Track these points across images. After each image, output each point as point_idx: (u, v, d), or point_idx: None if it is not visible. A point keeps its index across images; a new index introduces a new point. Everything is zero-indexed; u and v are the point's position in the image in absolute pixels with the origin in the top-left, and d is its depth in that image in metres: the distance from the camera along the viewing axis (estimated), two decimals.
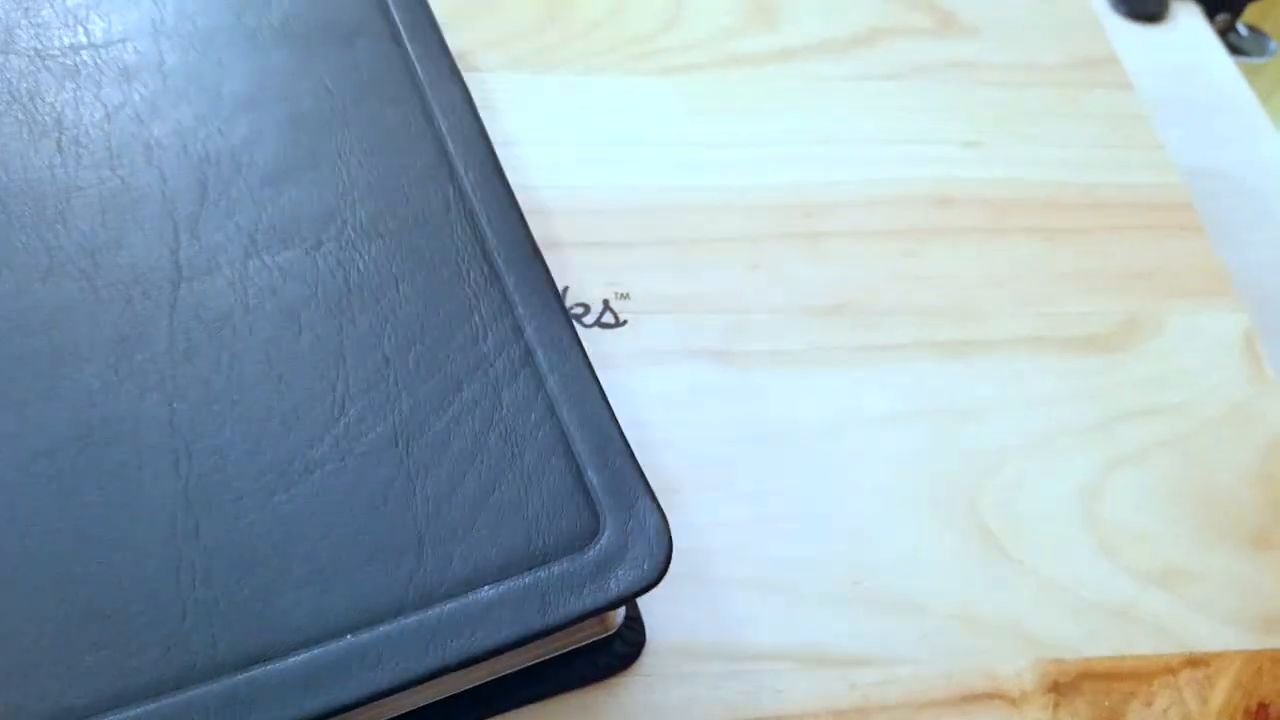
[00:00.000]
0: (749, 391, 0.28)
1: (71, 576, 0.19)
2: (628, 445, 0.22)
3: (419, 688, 0.20)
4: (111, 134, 0.25)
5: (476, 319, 0.23)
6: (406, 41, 0.28)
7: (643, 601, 0.25)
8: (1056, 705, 0.24)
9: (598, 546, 0.20)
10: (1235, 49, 0.49)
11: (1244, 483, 0.28)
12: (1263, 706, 0.25)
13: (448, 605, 0.20)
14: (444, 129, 0.26)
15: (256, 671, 0.18)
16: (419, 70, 0.27)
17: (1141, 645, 0.25)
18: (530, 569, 0.20)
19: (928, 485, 0.27)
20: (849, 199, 0.33)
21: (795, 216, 0.32)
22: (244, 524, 0.20)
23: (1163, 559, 0.27)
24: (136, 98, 0.26)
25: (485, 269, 0.24)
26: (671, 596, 0.25)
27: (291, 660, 0.19)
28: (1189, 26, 0.45)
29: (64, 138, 0.25)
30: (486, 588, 0.20)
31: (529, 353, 0.23)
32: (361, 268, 0.24)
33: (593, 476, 0.21)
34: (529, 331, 0.23)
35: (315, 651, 0.19)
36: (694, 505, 0.26)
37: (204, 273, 0.23)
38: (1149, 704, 0.25)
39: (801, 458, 0.27)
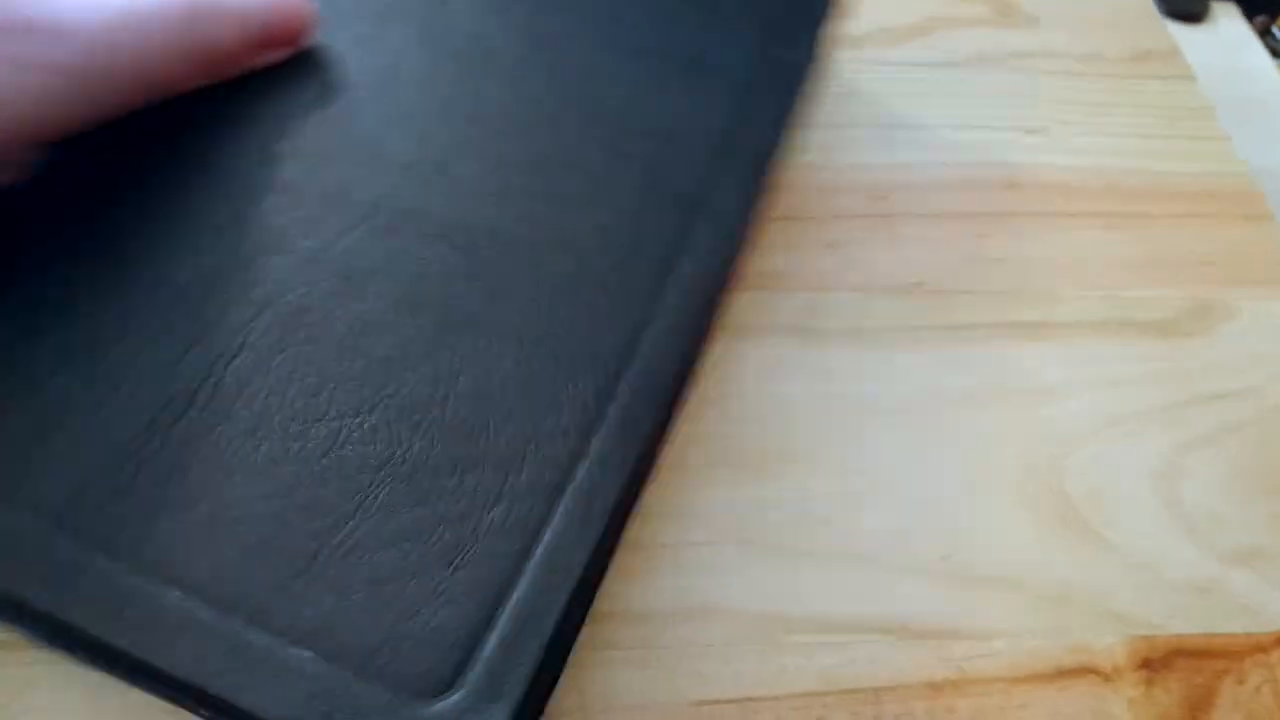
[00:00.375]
0: (829, 367, 0.28)
1: None
2: (553, 651, 0.19)
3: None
4: None
5: (553, 424, 0.21)
6: None
7: (727, 571, 0.25)
8: (1150, 682, 0.24)
9: (427, 709, 0.18)
10: (1275, 52, 0.49)
11: None
12: None
13: (259, 634, 0.18)
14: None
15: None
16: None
17: (1230, 624, 0.25)
18: (355, 671, 0.18)
19: (1009, 464, 0.27)
20: (917, 181, 0.33)
21: (865, 198, 0.32)
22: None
23: (1242, 539, 0.27)
24: None
25: (605, 385, 0.21)
26: (759, 568, 0.25)
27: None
28: (1229, 27, 0.45)
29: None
30: (306, 651, 0.18)
31: (557, 491, 0.20)
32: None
33: (491, 646, 0.18)
34: (580, 473, 0.20)
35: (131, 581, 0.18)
36: (778, 478, 0.26)
37: None
38: (1241, 682, 0.24)
39: (883, 434, 0.27)
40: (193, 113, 0.23)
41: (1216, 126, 0.36)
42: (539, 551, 0.19)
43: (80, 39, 0.20)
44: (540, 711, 0.19)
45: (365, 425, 0.20)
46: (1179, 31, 0.44)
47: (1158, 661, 0.25)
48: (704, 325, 0.23)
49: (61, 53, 0.19)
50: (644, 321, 0.22)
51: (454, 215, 0.23)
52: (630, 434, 0.21)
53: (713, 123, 0.26)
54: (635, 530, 0.25)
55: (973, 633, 0.25)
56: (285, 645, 0.18)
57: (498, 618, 0.19)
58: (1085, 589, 0.25)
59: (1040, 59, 0.37)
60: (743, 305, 0.29)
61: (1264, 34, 0.49)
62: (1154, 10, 0.40)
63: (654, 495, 0.26)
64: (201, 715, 0.18)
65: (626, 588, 0.24)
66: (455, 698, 0.18)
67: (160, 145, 0.23)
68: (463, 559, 0.19)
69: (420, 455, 0.20)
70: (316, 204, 0.23)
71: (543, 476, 0.20)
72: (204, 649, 0.18)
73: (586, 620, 0.20)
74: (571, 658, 0.20)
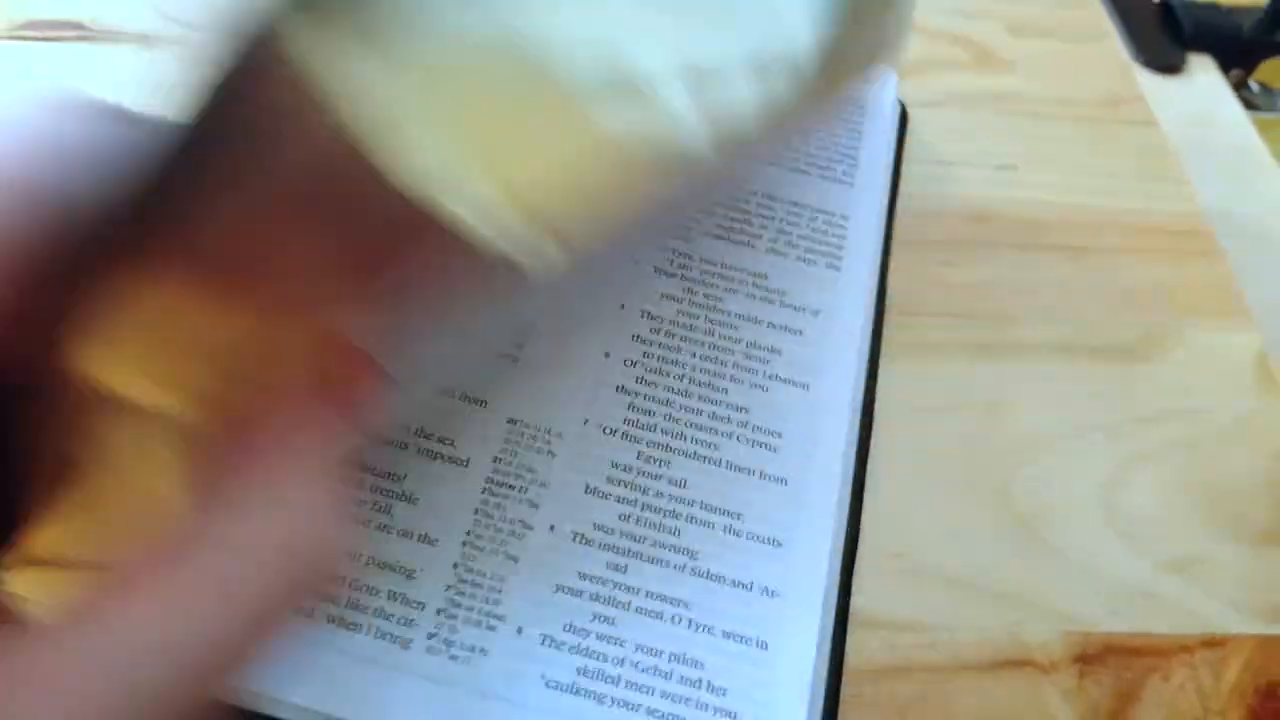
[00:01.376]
0: None
1: None
2: None
3: None
4: None
5: None
6: None
7: None
8: (1082, 675, 0.26)
9: None
10: (1248, 104, 0.52)
11: (1254, 485, 0.30)
12: (1271, 686, 0.27)
13: None
14: None
15: None
16: None
17: (1160, 625, 0.27)
18: None
19: (964, 472, 0.29)
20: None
21: None
22: None
23: (1179, 548, 0.29)
24: None
25: None
26: None
27: None
28: (1205, 79, 0.48)
29: None
30: None
31: None
32: None
33: None
34: None
35: None
36: None
37: None
38: (1167, 679, 0.26)
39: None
40: None
41: (1177, 169, 0.38)
42: None
43: None
44: None
45: None
46: (1157, 82, 0.46)
47: (1092, 657, 0.27)
48: None
49: None
50: None
51: None
52: None
53: None
54: None
55: (920, 625, 0.27)
56: None
57: None
58: (1028, 589, 0.27)
59: (1014, 101, 0.40)
60: None
61: (1239, 87, 0.52)
62: (1126, 60, 0.42)
63: None
64: None
65: None
66: None
67: None
68: None
69: None
70: None
71: None
72: None
73: None
74: None
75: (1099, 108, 0.40)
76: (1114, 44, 0.43)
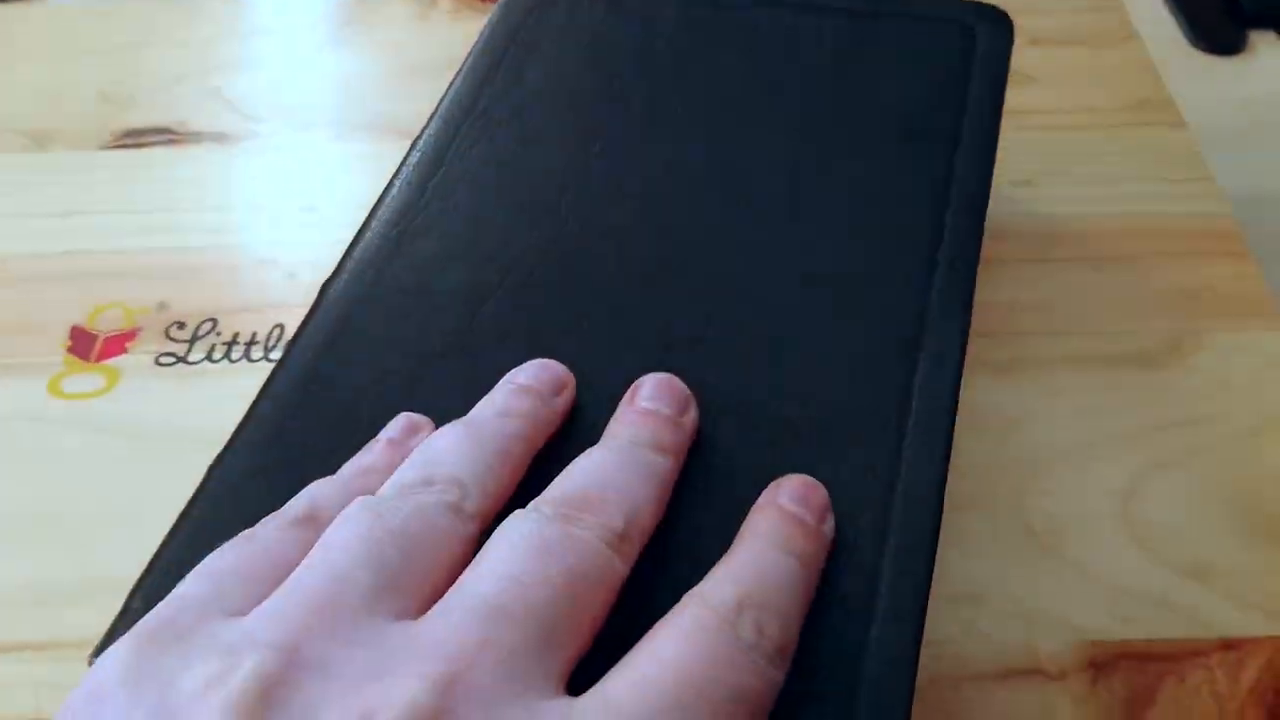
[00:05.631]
0: None
1: None
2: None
3: None
4: None
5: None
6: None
7: None
8: (1094, 681, 0.27)
9: None
10: None
11: (1277, 487, 0.30)
12: None
13: None
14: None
15: None
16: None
17: (1176, 631, 0.28)
18: None
19: (977, 490, 0.31)
20: None
21: None
22: None
23: (1197, 554, 0.29)
24: None
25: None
26: None
27: None
28: (1267, 56, 0.47)
29: None
30: None
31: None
32: None
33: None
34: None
35: None
36: None
37: None
38: (1182, 681, 0.27)
39: None
40: None
41: (1202, 168, 0.38)
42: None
43: None
44: None
45: None
46: (1218, 64, 0.46)
47: (1103, 663, 0.27)
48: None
49: None
50: None
51: None
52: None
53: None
54: None
55: (929, 636, 0.28)
56: None
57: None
58: (1039, 600, 0.28)
59: (1033, 115, 0.40)
60: None
61: None
62: (1149, 61, 0.42)
63: None
64: None
65: None
66: None
67: None
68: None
69: None
70: None
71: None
72: None
73: None
74: None
75: (1122, 113, 0.40)
76: (1140, 47, 0.43)
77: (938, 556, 0.27)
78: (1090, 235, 0.37)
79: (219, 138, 0.41)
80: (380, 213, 0.28)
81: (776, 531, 0.21)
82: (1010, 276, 0.35)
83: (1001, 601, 0.28)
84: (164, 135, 0.41)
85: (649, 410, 0.23)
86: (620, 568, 0.19)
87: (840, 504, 0.23)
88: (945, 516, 0.30)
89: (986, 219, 0.36)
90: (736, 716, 0.17)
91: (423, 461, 0.21)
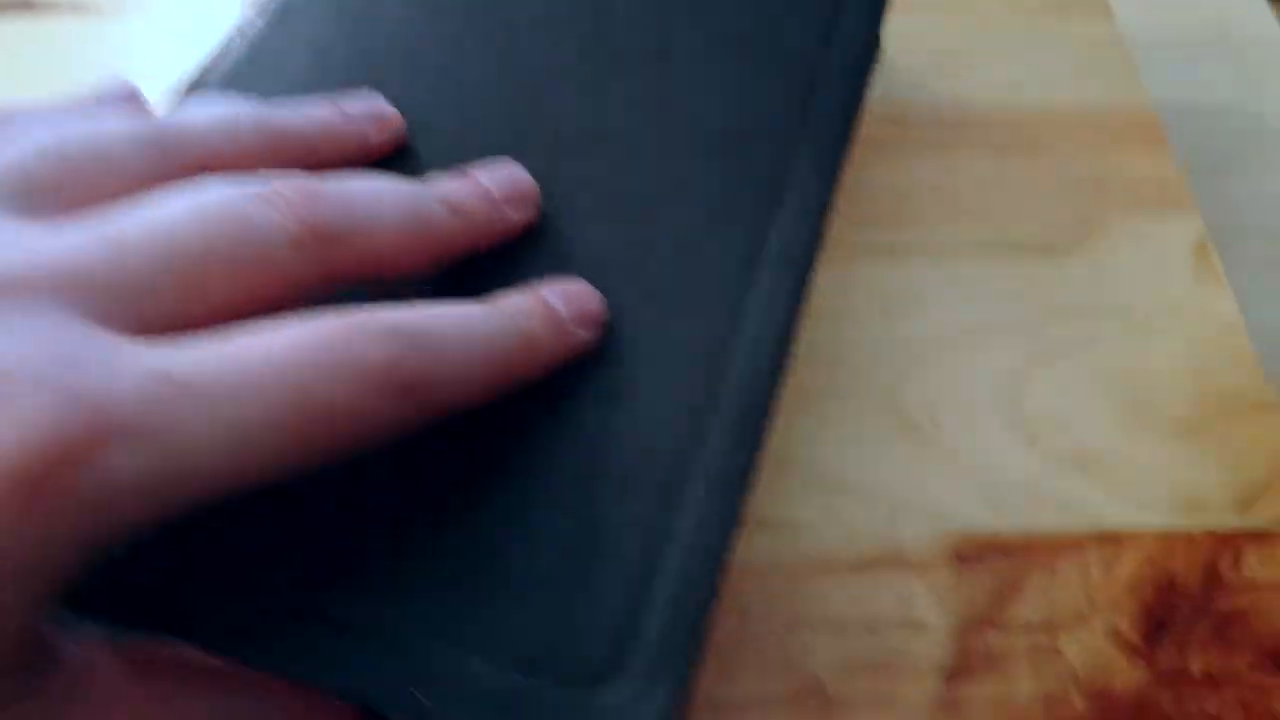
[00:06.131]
0: None
1: None
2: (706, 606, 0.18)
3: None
4: None
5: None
6: None
7: None
8: (959, 573, 0.25)
9: (596, 700, 0.17)
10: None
11: (1177, 378, 0.28)
12: (1171, 581, 0.25)
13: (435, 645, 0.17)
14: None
15: None
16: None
17: (1050, 522, 0.26)
18: (523, 670, 0.17)
19: (848, 374, 0.28)
20: None
21: None
22: None
23: (1080, 446, 0.27)
24: None
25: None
26: None
27: None
28: None
29: None
30: (477, 658, 0.17)
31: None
32: None
33: (652, 623, 0.18)
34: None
35: None
36: None
37: None
38: (1053, 573, 0.25)
39: None
40: None
41: (1126, 58, 0.36)
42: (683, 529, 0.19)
43: None
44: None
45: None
46: None
47: (969, 555, 0.25)
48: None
49: None
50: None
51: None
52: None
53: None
54: None
55: (775, 522, 0.26)
56: (461, 654, 0.17)
57: (655, 584, 0.18)
58: (906, 489, 0.26)
59: (950, 1, 0.38)
60: None
61: None
62: None
63: None
64: None
65: None
66: (614, 690, 0.17)
67: None
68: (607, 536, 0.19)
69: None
70: None
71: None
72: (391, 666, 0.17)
73: None
74: None
75: (1047, 7, 0.38)
76: None
77: (799, 440, 0.25)
78: (999, 123, 0.34)
79: (77, 8, 0.38)
80: (215, 66, 0.25)
81: (515, 305, 0.19)
82: (909, 161, 0.33)
83: (866, 490, 0.26)
84: (19, 4, 0.39)
85: (472, 179, 0.21)
86: (296, 269, 0.17)
87: (668, 362, 0.21)
88: (814, 403, 0.28)
89: (888, 103, 0.34)
90: (317, 435, 0.15)
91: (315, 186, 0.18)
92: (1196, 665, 0.24)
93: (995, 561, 0.25)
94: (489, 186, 0.21)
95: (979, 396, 0.28)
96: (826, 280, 0.30)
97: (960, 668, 0.24)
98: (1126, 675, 0.24)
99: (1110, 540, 0.25)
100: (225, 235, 0.16)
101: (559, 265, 0.22)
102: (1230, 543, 0.25)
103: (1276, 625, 0.24)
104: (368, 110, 0.23)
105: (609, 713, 0.17)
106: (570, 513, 0.19)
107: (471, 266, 0.21)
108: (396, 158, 0.23)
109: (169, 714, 0.15)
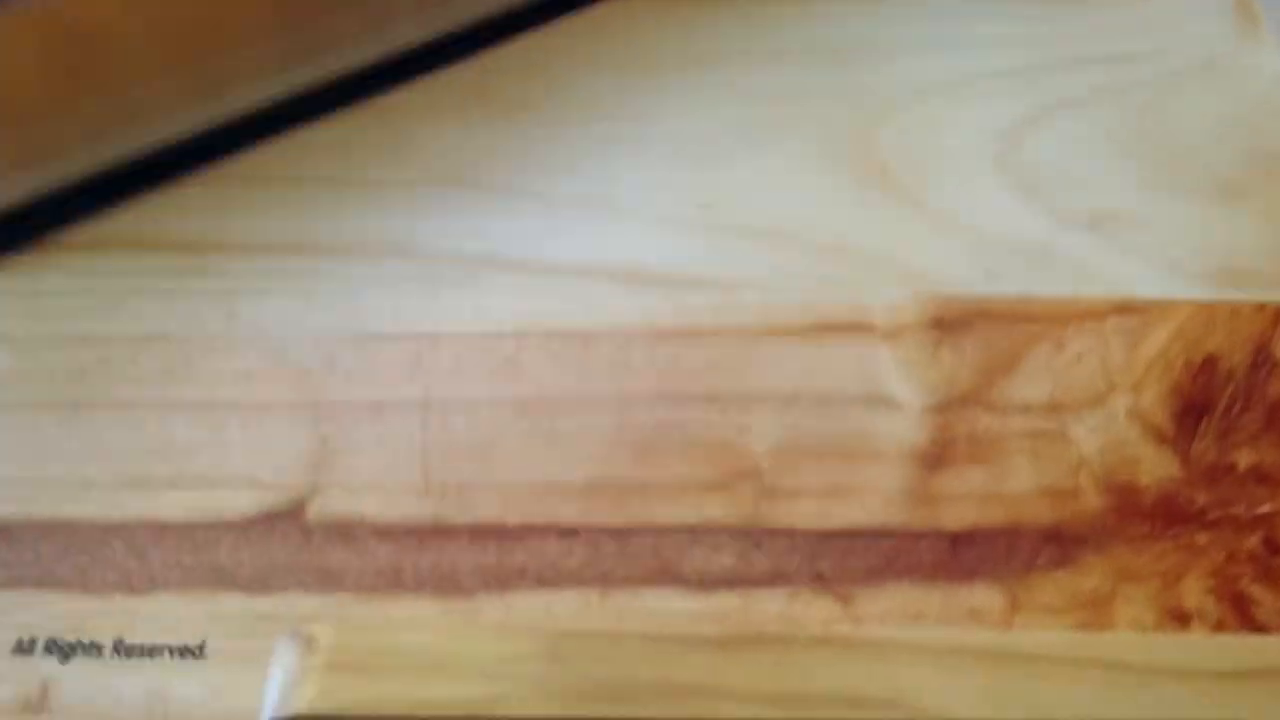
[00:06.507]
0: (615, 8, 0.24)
1: None
2: None
3: None
4: None
5: None
6: None
7: (428, 211, 0.20)
8: (938, 343, 0.19)
9: None
10: None
11: (1214, 134, 0.22)
12: (1210, 360, 0.19)
13: None
14: None
15: None
16: None
17: (1058, 287, 0.20)
18: None
19: (810, 122, 0.22)
20: None
21: None
22: None
23: (1096, 202, 0.21)
24: None
25: None
26: (470, 210, 0.21)
27: None
28: None
29: None
30: None
31: None
32: None
33: None
34: None
35: None
36: (526, 114, 0.22)
37: None
38: (1060, 348, 0.19)
39: (661, 87, 0.23)
40: None
41: None
42: None
43: None
44: None
45: None
46: None
47: (953, 322, 0.20)
48: None
49: None
50: None
51: None
52: None
53: None
54: (328, 163, 0.21)
55: (719, 281, 0.20)
56: None
57: None
58: (877, 245, 0.20)
59: None
60: None
61: None
62: None
63: (374, 129, 0.22)
64: None
65: (299, 219, 0.21)
66: None
67: None
68: None
69: None
70: None
71: None
72: None
73: None
74: None
75: None
76: None
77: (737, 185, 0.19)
78: None
79: None
80: None
81: None
82: None
83: (828, 244, 0.20)
84: None
85: None
86: None
87: None
88: (764, 142, 0.22)
89: None
90: None
91: None
92: (1244, 460, 0.18)
93: (986, 331, 0.19)
94: None
95: (971, 148, 0.22)
96: (774, 14, 0.24)
97: (938, 455, 0.18)
98: (1154, 467, 0.18)
99: (1133, 310, 0.20)
100: None
101: None
102: None
103: None
104: None
105: None
106: None
107: None
108: None
109: None
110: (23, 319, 0.19)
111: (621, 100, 0.22)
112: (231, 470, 0.18)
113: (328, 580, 0.17)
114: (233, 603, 0.17)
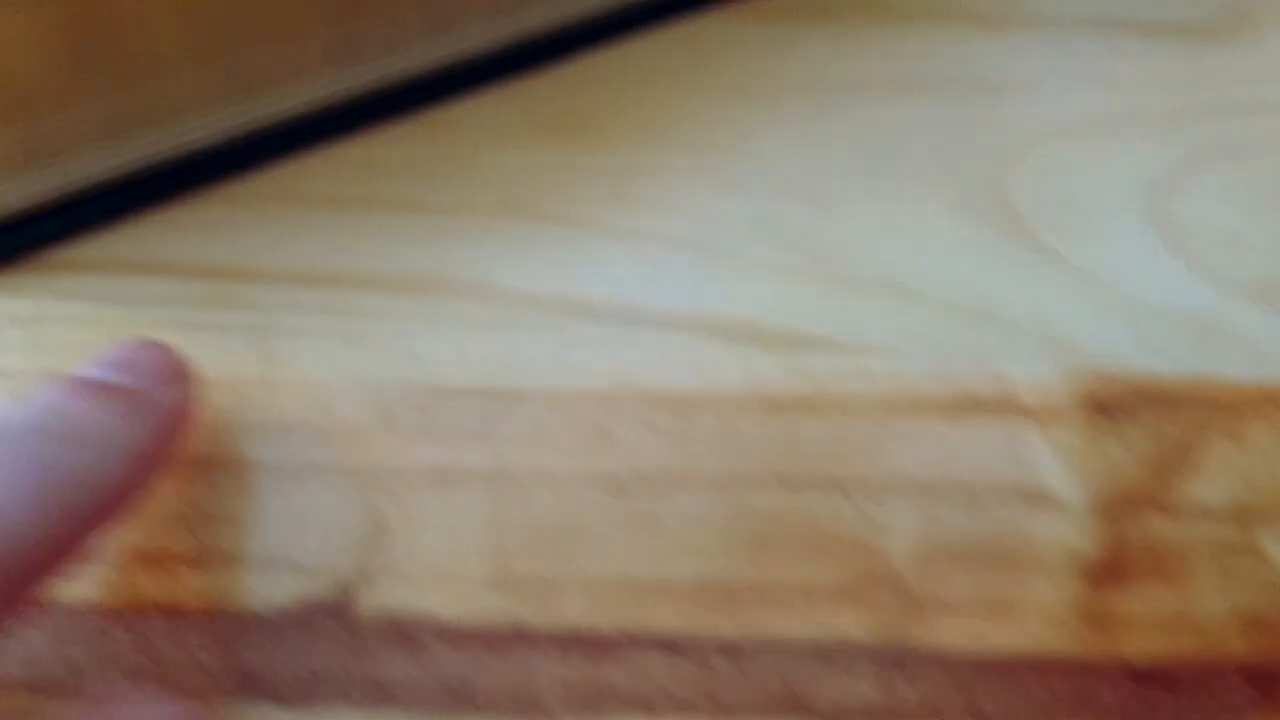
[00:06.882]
0: (712, 34, 0.21)
1: None
2: None
3: None
4: None
5: None
6: None
7: (501, 243, 0.18)
8: (1100, 430, 0.16)
9: None
10: None
11: None
12: None
13: None
14: None
15: None
16: None
17: (1227, 366, 0.17)
18: None
19: (937, 160, 0.20)
20: None
21: None
22: None
23: (1258, 268, 0.19)
24: None
25: None
26: (546, 243, 0.18)
27: None
28: None
29: None
30: None
31: None
32: None
33: None
34: None
35: None
36: (612, 139, 0.19)
37: None
38: (1240, 442, 0.17)
39: (770, 117, 0.20)
40: None
41: None
42: None
43: None
44: None
45: None
46: None
47: (1114, 405, 0.17)
48: None
49: None
50: None
51: None
52: None
53: None
54: (382, 182, 0.18)
55: (843, 344, 0.17)
56: None
57: None
58: (1020, 307, 0.18)
59: None
60: None
61: None
62: None
63: (436, 146, 0.19)
64: None
65: (347, 245, 0.18)
66: None
67: None
68: None
69: None
70: None
71: None
72: None
73: None
74: None
75: None
76: None
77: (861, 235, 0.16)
78: None
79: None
80: None
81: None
82: None
83: (961, 304, 0.18)
84: None
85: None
86: None
87: None
88: (882, 188, 0.19)
89: None
90: None
91: None
92: None
93: (1152, 416, 0.17)
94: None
95: (1111, 199, 0.19)
96: (909, 46, 0.21)
97: (1109, 566, 0.15)
98: None
99: None
100: None
101: None
102: None
103: None
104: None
105: None
106: None
107: None
108: None
109: None
110: (20, 351, 0.16)
111: (720, 129, 0.20)
112: (263, 549, 0.15)
113: (379, 694, 0.14)
114: (262, 718, 0.14)
